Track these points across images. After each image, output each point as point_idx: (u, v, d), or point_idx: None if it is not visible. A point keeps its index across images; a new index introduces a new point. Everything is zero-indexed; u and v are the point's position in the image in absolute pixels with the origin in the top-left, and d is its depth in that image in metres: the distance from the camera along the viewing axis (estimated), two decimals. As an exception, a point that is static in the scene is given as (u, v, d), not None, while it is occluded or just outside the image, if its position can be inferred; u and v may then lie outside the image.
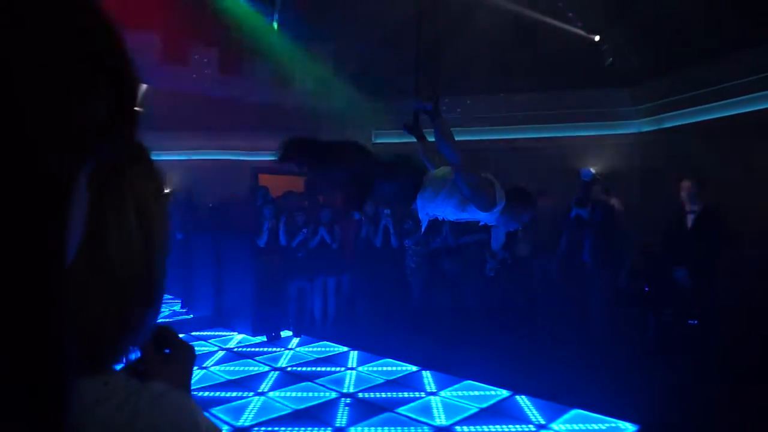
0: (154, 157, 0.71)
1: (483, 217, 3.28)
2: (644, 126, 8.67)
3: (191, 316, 8.34)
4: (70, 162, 0.42)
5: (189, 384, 0.81)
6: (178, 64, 8.58)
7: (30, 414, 0.38)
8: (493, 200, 3.13)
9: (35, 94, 0.37)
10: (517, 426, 4.40)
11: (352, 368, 5.96)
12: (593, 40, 8.40)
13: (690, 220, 5.34)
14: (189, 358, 0.88)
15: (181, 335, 0.87)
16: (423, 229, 4.77)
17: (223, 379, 5.55)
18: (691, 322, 5.49)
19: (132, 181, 0.65)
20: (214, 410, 4.69)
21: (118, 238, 0.61)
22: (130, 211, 0.63)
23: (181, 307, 8.85)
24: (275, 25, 8.74)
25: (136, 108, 0.53)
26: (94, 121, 0.44)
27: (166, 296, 9.53)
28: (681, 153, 7.66)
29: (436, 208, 3.41)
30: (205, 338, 7.18)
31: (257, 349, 6.72)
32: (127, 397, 0.63)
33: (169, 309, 9.00)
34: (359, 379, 5.60)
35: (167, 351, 0.84)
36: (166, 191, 0.73)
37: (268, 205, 7.29)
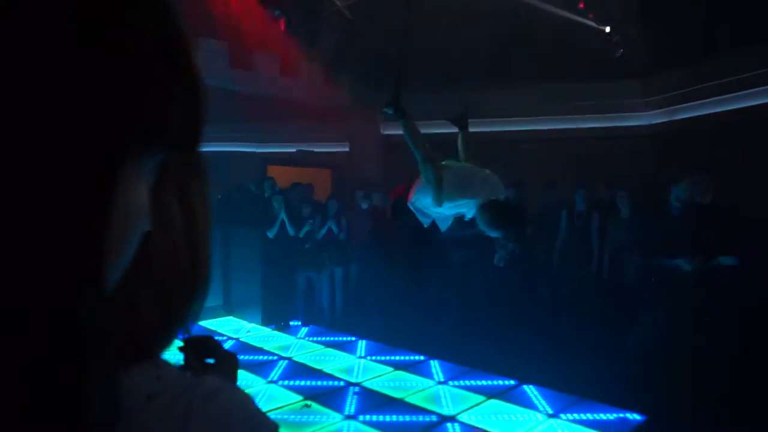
0: (200, 150, 0.71)
1: (465, 212, 3.38)
2: (655, 118, 8.62)
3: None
4: (131, 154, 0.45)
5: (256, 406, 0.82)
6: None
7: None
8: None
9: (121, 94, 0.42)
10: (525, 415, 4.42)
11: (360, 357, 6.00)
12: (604, 31, 8.35)
13: (698, 212, 5.32)
14: (232, 367, 0.89)
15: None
16: (427, 224, 4.81)
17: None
18: (699, 312, 5.47)
19: (176, 175, 0.63)
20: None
21: (161, 231, 0.61)
22: (173, 205, 0.62)
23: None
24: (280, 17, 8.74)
25: (201, 122, 0.56)
26: (164, 128, 0.47)
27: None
28: (692, 145, 7.62)
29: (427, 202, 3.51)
30: (215, 328, 7.25)
31: (267, 338, 6.78)
32: (181, 392, 0.61)
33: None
34: (367, 369, 5.64)
35: (210, 361, 0.85)
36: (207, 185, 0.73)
37: (276, 196, 7.32)
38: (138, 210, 0.53)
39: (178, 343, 0.86)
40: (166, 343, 0.66)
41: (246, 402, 0.66)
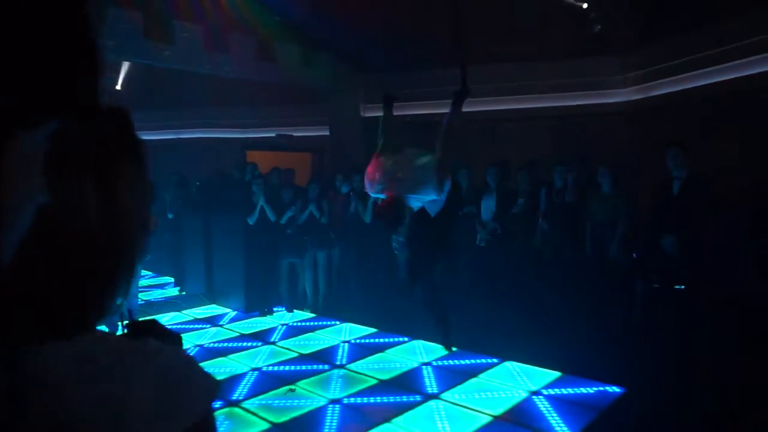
0: (131, 129, 0.68)
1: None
2: (633, 95, 8.64)
3: (184, 293, 8.36)
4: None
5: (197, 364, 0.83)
6: (160, 40, 8.42)
7: None
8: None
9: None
10: (507, 392, 4.47)
11: (344, 341, 6.02)
12: (581, 7, 8.31)
13: (676, 186, 5.36)
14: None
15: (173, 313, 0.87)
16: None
17: (218, 355, 5.59)
18: (679, 287, 5.56)
19: (100, 151, 0.63)
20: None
21: (71, 207, 0.60)
22: (86, 181, 0.61)
23: (174, 285, 8.86)
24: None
25: (97, 89, 0.53)
26: (53, 96, 0.45)
27: (162, 276, 9.56)
28: (670, 121, 7.67)
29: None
30: (198, 315, 7.21)
31: (251, 325, 6.76)
32: (121, 355, 0.63)
33: (162, 287, 9.03)
34: (352, 351, 5.66)
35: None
36: (142, 165, 0.71)
37: (256, 180, 7.25)
38: (28, 181, 0.50)
39: (120, 329, 0.87)
40: (90, 317, 0.65)
41: (187, 361, 0.68)
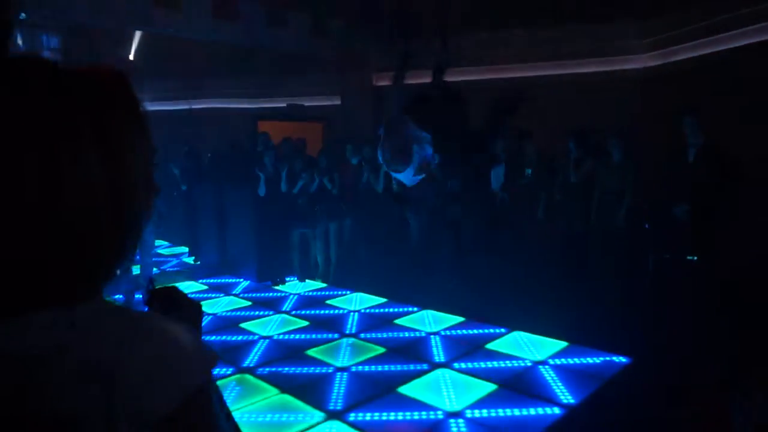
0: (131, 92, 0.70)
1: None
2: (650, 61, 8.41)
3: (198, 263, 8.49)
4: None
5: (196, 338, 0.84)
6: (169, 7, 8.35)
7: None
8: None
9: None
10: (513, 362, 4.52)
11: (354, 310, 6.09)
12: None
13: (691, 155, 5.27)
14: (196, 316, 0.91)
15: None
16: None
17: (230, 323, 5.70)
18: (690, 258, 5.51)
19: (95, 112, 0.64)
20: (220, 352, 4.83)
21: (74, 180, 0.61)
22: (86, 142, 0.62)
23: (189, 255, 9.00)
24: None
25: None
26: None
27: (176, 246, 9.70)
28: (687, 88, 7.46)
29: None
30: (212, 285, 7.34)
31: (262, 294, 6.87)
32: (115, 325, 0.65)
33: (177, 257, 9.17)
34: (361, 320, 5.73)
35: (174, 313, 0.86)
36: (148, 136, 0.71)
37: (268, 151, 7.25)
38: None
39: (144, 296, 0.91)
40: (96, 280, 0.67)
41: (181, 337, 0.69)
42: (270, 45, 9.42)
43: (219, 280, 7.56)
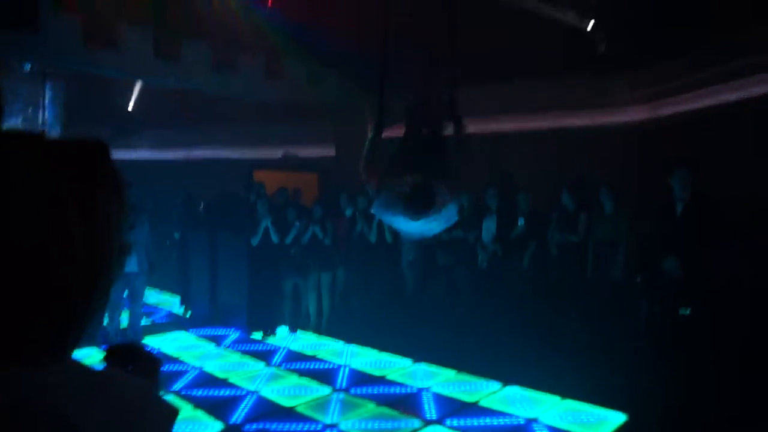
0: (112, 161, 0.74)
1: None
2: (640, 114, 8.58)
3: (189, 313, 8.39)
4: None
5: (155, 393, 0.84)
6: (169, 59, 8.57)
7: None
8: None
9: None
10: (506, 419, 4.41)
11: (345, 364, 5.99)
12: (586, 26, 8.31)
13: (679, 207, 5.30)
14: (153, 369, 0.92)
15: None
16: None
17: (217, 377, 5.59)
18: (683, 311, 5.46)
19: (78, 184, 0.68)
20: (207, 408, 4.73)
21: (56, 236, 0.64)
22: (71, 213, 0.66)
23: (180, 305, 8.90)
24: (266, 19, 8.70)
25: None
26: None
27: (166, 294, 9.62)
28: (676, 140, 7.59)
29: None
30: (201, 336, 7.23)
31: (252, 346, 6.75)
32: (80, 383, 0.66)
33: (168, 308, 9.07)
34: (353, 374, 5.62)
35: (130, 367, 0.88)
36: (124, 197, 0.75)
37: (261, 200, 7.29)
38: None
39: (101, 353, 0.96)
40: (64, 341, 0.69)
41: (142, 390, 0.73)
42: (267, 97, 9.61)
43: (209, 331, 7.45)
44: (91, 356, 5.39)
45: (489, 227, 6.43)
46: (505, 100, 8.94)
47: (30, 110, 9.55)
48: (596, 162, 7.64)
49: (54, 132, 10.23)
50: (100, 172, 0.72)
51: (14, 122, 8.44)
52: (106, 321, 6.16)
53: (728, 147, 6.89)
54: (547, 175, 7.54)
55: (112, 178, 0.73)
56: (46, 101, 10.09)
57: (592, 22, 8.40)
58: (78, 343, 0.71)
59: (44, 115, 9.96)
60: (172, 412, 0.74)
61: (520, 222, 6.40)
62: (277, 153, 11.11)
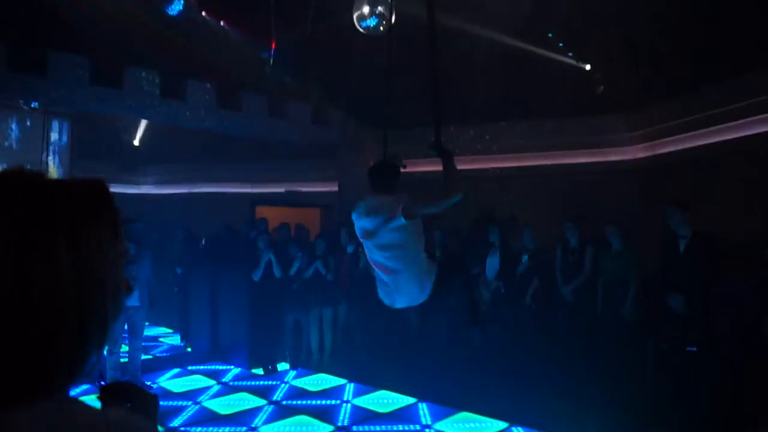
0: (107, 198, 0.76)
1: None
2: (639, 153, 8.70)
3: (189, 349, 8.30)
4: None
5: None
6: (174, 98, 8.73)
7: None
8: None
9: None
10: (513, 459, 4.32)
11: (347, 401, 5.89)
12: (584, 69, 8.51)
13: (682, 245, 5.31)
14: (152, 408, 0.92)
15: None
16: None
17: (217, 414, 5.49)
18: (690, 348, 5.40)
19: (71, 221, 0.68)
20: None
21: (43, 272, 0.64)
22: (60, 248, 0.66)
23: (181, 341, 8.81)
24: (270, 59, 8.90)
25: None
26: None
27: (166, 330, 9.52)
28: (676, 179, 7.67)
29: None
30: (202, 372, 7.13)
31: (253, 383, 6.65)
32: (85, 424, 0.65)
33: (169, 342, 8.97)
34: (355, 412, 5.53)
35: (129, 405, 0.88)
36: (120, 230, 0.76)
37: (262, 236, 7.29)
38: None
39: (97, 392, 0.93)
40: (58, 381, 0.68)
41: (137, 429, 0.71)
42: (271, 135, 9.75)
43: (209, 367, 7.35)
44: (89, 393, 5.31)
45: (492, 264, 6.42)
46: (508, 140, 9.08)
47: (35, 148, 9.70)
48: (599, 200, 7.71)
49: (59, 169, 10.36)
50: (94, 209, 0.72)
51: (19, 161, 8.53)
52: (105, 354, 6.07)
53: (727, 186, 6.98)
54: (550, 212, 7.58)
55: (108, 215, 0.74)
56: (51, 140, 10.25)
57: (589, 66, 8.62)
58: (75, 380, 0.70)
59: (48, 152, 10.09)
60: None
61: (524, 259, 6.39)
62: (280, 188, 11.20)
